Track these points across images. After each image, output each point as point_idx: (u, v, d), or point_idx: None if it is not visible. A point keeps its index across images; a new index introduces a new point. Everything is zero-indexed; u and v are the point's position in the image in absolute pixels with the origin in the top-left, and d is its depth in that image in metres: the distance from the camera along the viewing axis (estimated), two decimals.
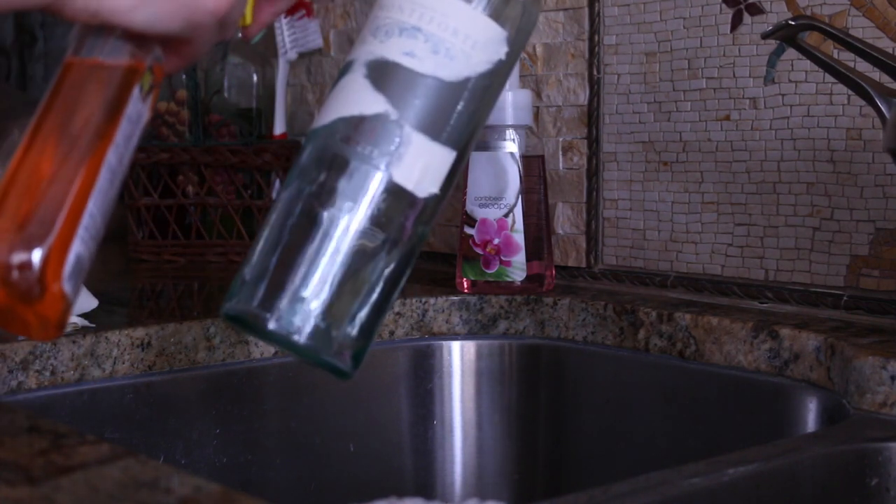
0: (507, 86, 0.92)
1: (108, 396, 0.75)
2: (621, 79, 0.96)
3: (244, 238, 1.18)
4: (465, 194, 0.93)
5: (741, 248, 0.89)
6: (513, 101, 0.92)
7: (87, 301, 0.79)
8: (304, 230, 0.53)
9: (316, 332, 0.52)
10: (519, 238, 0.91)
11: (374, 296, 0.54)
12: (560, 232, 1.00)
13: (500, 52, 0.55)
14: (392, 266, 0.54)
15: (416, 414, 0.91)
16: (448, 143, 0.54)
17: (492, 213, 0.92)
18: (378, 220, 0.53)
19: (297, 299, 0.53)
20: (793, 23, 0.71)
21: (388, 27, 0.55)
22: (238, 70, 1.21)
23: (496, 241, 0.92)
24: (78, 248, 0.48)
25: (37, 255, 0.46)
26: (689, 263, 0.92)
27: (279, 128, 1.23)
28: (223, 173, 1.19)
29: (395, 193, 0.54)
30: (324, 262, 0.53)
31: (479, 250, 0.92)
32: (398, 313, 0.90)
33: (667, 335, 0.83)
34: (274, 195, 1.18)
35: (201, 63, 1.23)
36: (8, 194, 0.47)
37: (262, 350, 0.83)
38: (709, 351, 0.80)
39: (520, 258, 0.91)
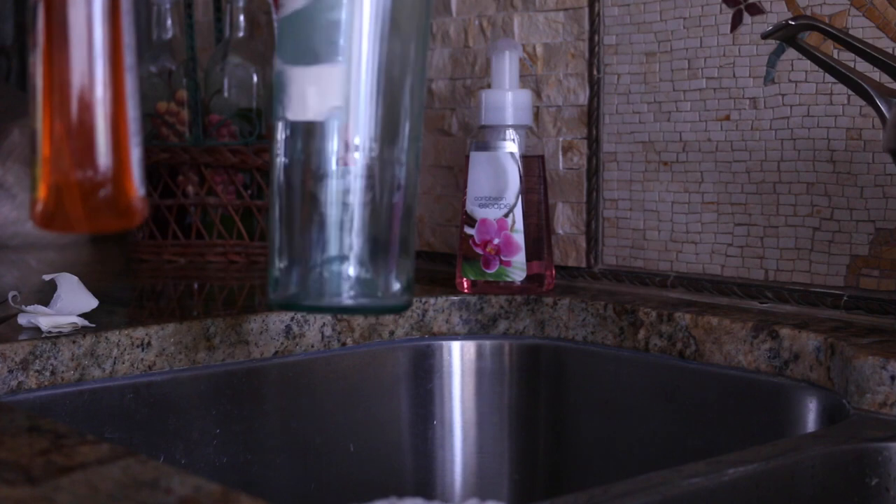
0: (507, 85, 0.93)
1: (108, 396, 0.75)
2: (621, 79, 0.96)
3: (244, 238, 1.18)
4: (465, 194, 0.93)
5: (741, 248, 0.89)
6: (513, 101, 0.92)
7: (87, 301, 0.79)
8: (289, 203, 0.56)
9: (357, 288, 0.55)
10: (519, 238, 0.91)
11: (388, 226, 0.56)
12: (560, 232, 1.00)
13: None
14: (376, 190, 0.56)
15: (416, 414, 0.91)
16: (325, 58, 0.55)
17: (492, 213, 0.92)
18: (320, 160, 0.55)
19: (323, 269, 0.55)
20: (793, 23, 0.71)
21: None
22: (238, 70, 1.21)
23: (496, 241, 0.92)
24: (136, 153, 0.49)
25: (108, 169, 0.48)
26: (689, 263, 0.92)
27: None
28: (223, 173, 1.19)
29: (303, 130, 0.55)
30: (324, 223, 0.55)
31: (479, 250, 0.92)
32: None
33: (667, 335, 0.83)
34: None
35: (201, 63, 1.23)
36: (53, 124, 0.48)
37: (262, 350, 0.83)
38: (709, 351, 0.80)
39: (520, 258, 0.91)
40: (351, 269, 0.55)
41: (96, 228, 0.49)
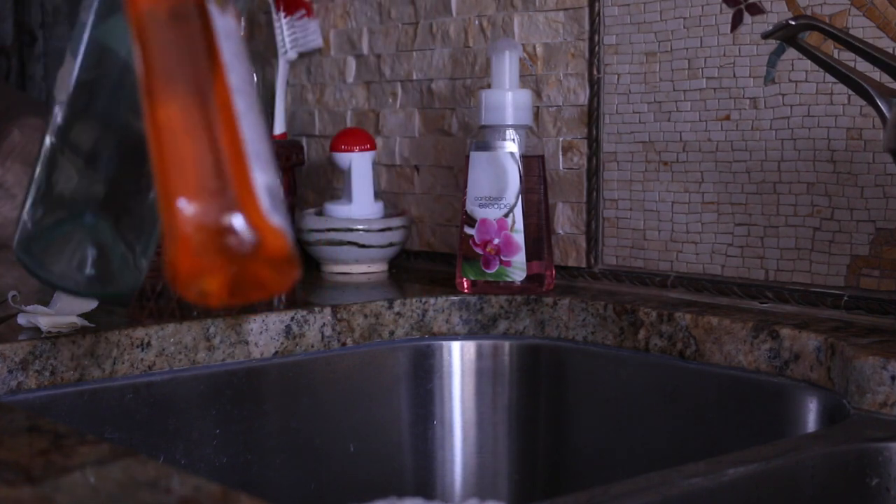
0: (507, 85, 0.92)
1: (108, 396, 0.75)
2: (621, 79, 0.96)
3: None
4: (465, 194, 0.93)
5: (741, 248, 0.89)
6: (513, 101, 0.92)
7: (86, 301, 0.79)
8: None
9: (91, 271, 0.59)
10: (519, 238, 0.91)
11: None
12: (560, 232, 1.00)
13: None
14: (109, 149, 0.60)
15: (416, 414, 0.91)
16: (71, 52, 0.59)
17: (492, 213, 0.92)
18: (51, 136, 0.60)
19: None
20: (793, 23, 0.71)
21: None
22: None
23: (496, 241, 0.92)
24: (260, 179, 0.45)
25: (231, 210, 0.44)
26: (689, 263, 0.92)
27: (279, 128, 1.23)
28: None
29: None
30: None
31: (479, 250, 0.92)
32: (398, 313, 0.90)
33: (667, 335, 0.83)
34: None
35: None
36: (168, 172, 0.45)
37: (261, 350, 0.83)
38: (709, 351, 0.80)
39: (520, 258, 0.91)
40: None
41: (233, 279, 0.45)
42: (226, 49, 0.48)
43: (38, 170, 0.59)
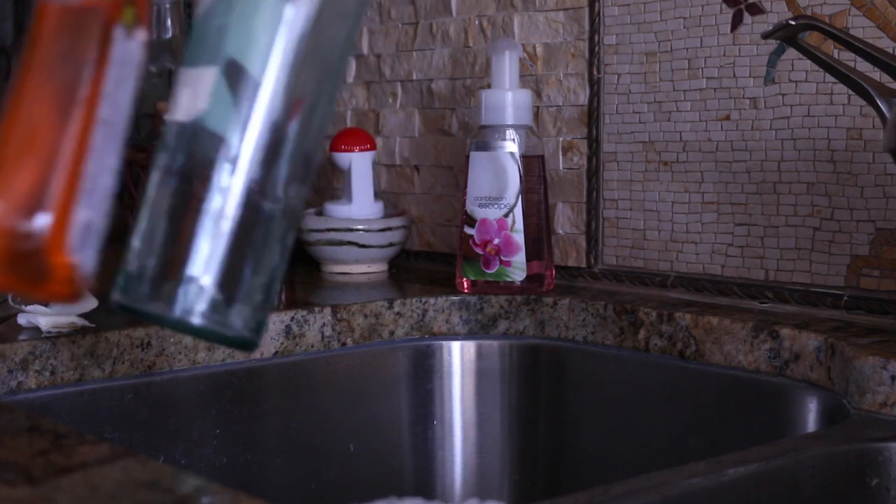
0: (507, 85, 0.92)
1: (108, 396, 0.75)
2: (621, 79, 0.96)
3: None
4: (465, 194, 0.93)
5: (741, 248, 0.89)
6: (513, 101, 0.92)
7: (86, 301, 0.79)
8: (155, 202, 0.53)
9: (207, 310, 0.51)
10: (519, 238, 0.91)
11: (242, 255, 0.52)
12: (560, 232, 1.00)
13: None
14: (238, 207, 0.52)
15: (416, 414, 0.91)
16: (206, 60, 0.52)
17: (492, 213, 0.92)
18: (185, 166, 0.52)
19: (179, 279, 0.51)
20: (793, 23, 0.71)
21: None
22: None
23: (496, 241, 0.92)
24: (82, 214, 0.45)
25: (37, 230, 0.44)
26: (689, 263, 0.92)
27: None
28: None
29: (171, 129, 0.53)
30: (175, 232, 0.52)
31: (479, 250, 0.92)
32: (398, 313, 0.90)
33: (667, 335, 0.83)
34: None
35: None
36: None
37: (261, 350, 0.83)
38: (709, 351, 0.80)
39: (520, 258, 0.91)
40: (205, 290, 0.51)
41: (7, 285, 0.44)
42: (111, 76, 0.47)
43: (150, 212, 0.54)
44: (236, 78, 0.52)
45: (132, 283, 0.53)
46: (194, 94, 0.52)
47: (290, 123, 0.53)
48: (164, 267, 0.52)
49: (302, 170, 0.54)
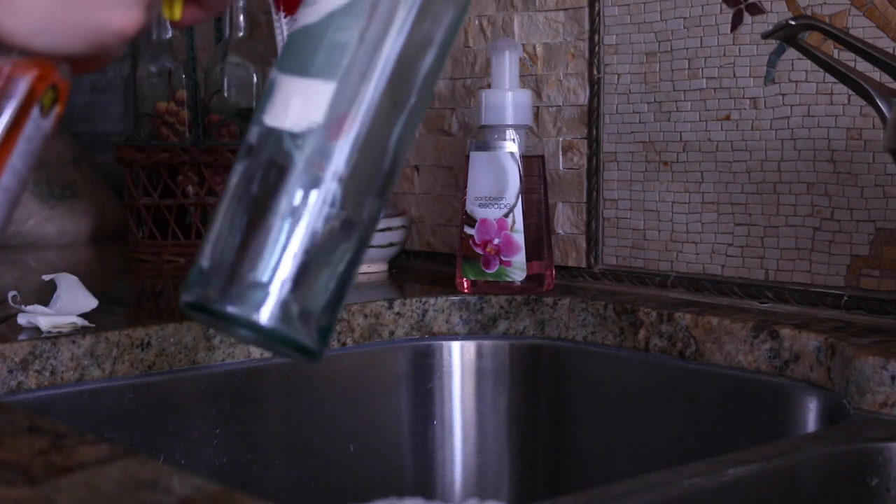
0: (507, 85, 0.92)
1: (108, 396, 0.75)
2: (621, 79, 0.96)
3: None
4: (465, 194, 0.93)
5: (741, 248, 0.89)
6: (513, 101, 0.92)
7: (87, 301, 0.79)
8: (237, 204, 0.53)
9: (279, 312, 0.51)
10: (519, 238, 0.91)
11: (327, 264, 0.53)
12: (560, 232, 1.00)
13: None
14: (327, 223, 0.52)
15: (416, 414, 0.91)
16: (319, 73, 0.53)
17: (492, 213, 0.92)
18: (275, 171, 0.52)
19: (255, 280, 0.51)
20: (793, 23, 0.71)
21: None
22: (238, 70, 1.21)
23: (496, 241, 0.92)
24: None
25: None
26: (689, 263, 0.92)
27: None
28: (223, 173, 1.19)
29: (273, 136, 0.53)
30: (265, 236, 0.52)
31: (479, 250, 0.92)
32: (398, 313, 0.90)
33: (667, 335, 0.83)
34: None
35: (201, 63, 1.23)
36: None
37: (262, 350, 0.83)
38: (709, 351, 0.80)
39: (520, 258, 0.91)
40: (276, 293, 0.51)
41: None
42: (19, 150, 0.49)
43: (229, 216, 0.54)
44: (350, 95, 0.53)
45: (204, 283, 0.52)
46: (308, 106, 0.53)
47: (378, 141, 0.54)
48: (237, 269, 0.52)
49: (381, 186, 0.54)
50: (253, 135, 0.54)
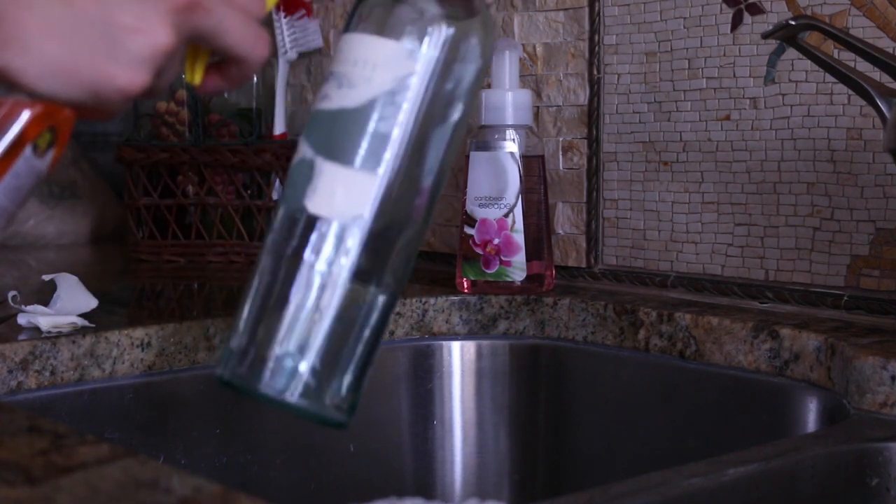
0: (507, 85, 0.92)
1: (108, 396, 0.75)
2: (621, 79, 0.96)
3: (244, 238, 1.18)
4: (465, 194, 0.93)
5: (741, 248, 0.89)
6: (513, 101, 0.92)
7: (87, 301, 0.79)
8: (269, 285, 0.55)
9: (307, 389, 0.54)
10: (519, 238, 0.91)
11: (353, 345, 0.55)
12: (560, 232, 1.00)
13: (407, 66, 0.55)
14: (356, 298, 0.55)
15: (416, 414, 0.91)
16: (364, 165, 0.54)
17: (492, 213, 0.92)
18: (308, 253, 0.54)
19: (279, 361, 0.54)
20: (793, 23, 0.71)
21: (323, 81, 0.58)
22: None
23: (496, 241, 0.92)
24: None
25: None
26: (689, 263, 0.92)
27: (279, 128, 1.23)
28: (223, 173, 1.19)
29: (316, 224, 0.55)
30: (296, 317, 0.54)
31: (479, 250, 0.92)
32: (398, 313, 0.90)
33: (667, 335, 0.83)
34: (274, 195, 1.18)
35: None
36: None
37: None
38: (709, 351, 0.80)
39: (520, 258, 0.91)
40: (304, 371, 0.54)
41: None
42: (5, 184, 0.50)
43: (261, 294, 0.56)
44: (391, 185, 0.55)
45: (233, 361, 0.55)
46: (353, 197, 0.54)
47: (406, 224, 0.56)
48: (263, 347, 0.54)
49: (404, 262, 0.57)
50: (284, 215, 0.55)
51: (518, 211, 0.91)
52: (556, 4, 1.00)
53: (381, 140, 0.55)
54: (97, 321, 0.77)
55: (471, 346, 0.92)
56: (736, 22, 0.88)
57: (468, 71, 0.57)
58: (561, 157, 1.00)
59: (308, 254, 0.54)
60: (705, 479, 0.54)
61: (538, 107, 1.01)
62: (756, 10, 0.87)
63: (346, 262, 0.54)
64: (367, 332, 0.56)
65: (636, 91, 0.95)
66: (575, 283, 0.99)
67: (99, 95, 0.49)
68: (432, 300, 0.91)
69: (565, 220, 1.00)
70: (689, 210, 0.92)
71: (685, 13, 0.91)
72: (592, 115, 0.98)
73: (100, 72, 0.48)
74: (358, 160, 0.54)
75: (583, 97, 0.98)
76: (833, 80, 0.78)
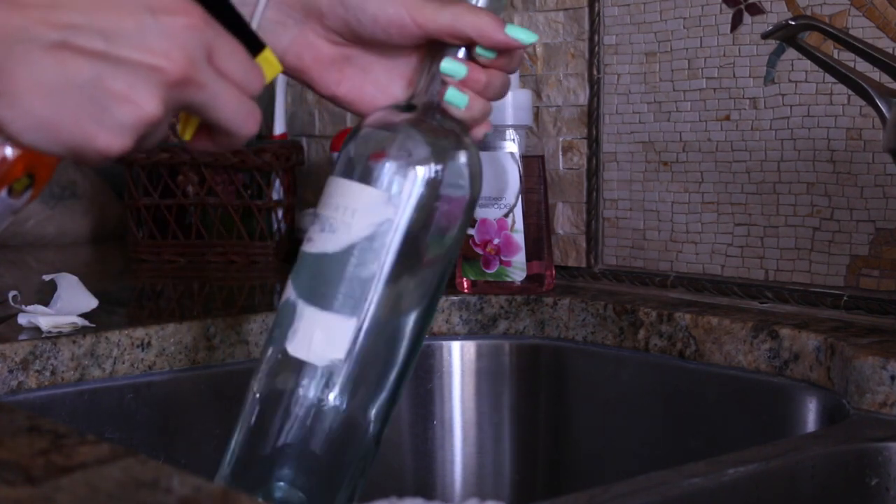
0: None
1: (108, 396, 0.75)
2: (621, 79, 0.96)
3: (244, 238, 1.18)
4: None
5: (741, 248, 0.89)
6: (513, 101, 0.92)
7: (87, 301, 0.79)
8: (257, 420, 0.58)
9: None
10: (519, 238, 0.91)
11: (339, 482, 0.57)
12: (560, 232, 1.00)
13: (384, 212, 0.56)
14: (343, 436, 0.57)
15: (416, 414, 0.91)
16: (342, 309, 0.56)
17: (492, 213, 0.92)
18: (297, 399, 0.56)
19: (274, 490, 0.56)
20: (793, 23, 0.71)
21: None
22: None
23: (496, 241, 0.92)
24: None
25: None
26: (689, 263, 0.92)
27: (279, 128, 1.23)
28: (223, 173, 1.19)
29: (293, 366, 0.56)
30: (280, 454, 0.57)
31: (479, 250, 0.92)
32: None
33: (667, 335, 0.83)
34: (274, 195, 1.18)
35: None
36: None
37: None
38: (709, 351, 0.80)
39: (520, 258, 0.91)
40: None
41: None
42: None
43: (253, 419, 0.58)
44: (368, 328, 0.56)
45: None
46: (330, 342, 0.56)
47: (389, 364, 0.58)
48: (254, 480, 0.56)
49: (392, 397, 0.58)
50: (272, 355, 0.57)
51: (518, 211, 0.91)
52: (556, 4, 1.00)
53: (359, 285, 0.56)
54: (97, 321, 0.77)
55: (471, 346, 0.92)
56: (736, 22, 0.88)
57: (455, 206, 0.58)
58: (561, 157, 1.00)
59: (292, 393, 0.56)
60: (705, 479, 0.54)
61: (538, 107, 1.01)
62: (756, 10, 0.87)
63: (329, 404, 0.56)
64: (355, 463, 0.58)
65: (636, 91, 0.95)
66: (575, 283, 0.99)
67: (79, 154, 0.50)
68: None
69: (565, 220, 1.00)
70: (688, 210, 0.92)
71: (685, 13, 0.91)
72: (592, 116, 0.98)
73: (82, 133, 0.49)
74: (336, 304, 0.56)
75: (583, 97, 0.98)
76: (833, 80, 0.78)
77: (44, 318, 0.75)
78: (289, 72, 0.64)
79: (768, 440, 0.63)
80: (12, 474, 0.44)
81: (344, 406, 0.56)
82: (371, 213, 0.56)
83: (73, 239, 1.45)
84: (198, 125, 0.55)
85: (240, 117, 0.53)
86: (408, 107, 0.59)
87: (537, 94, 1.01)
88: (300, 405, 0.56)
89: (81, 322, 0.76)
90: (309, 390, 0.56)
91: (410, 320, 0.58)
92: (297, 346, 0.56)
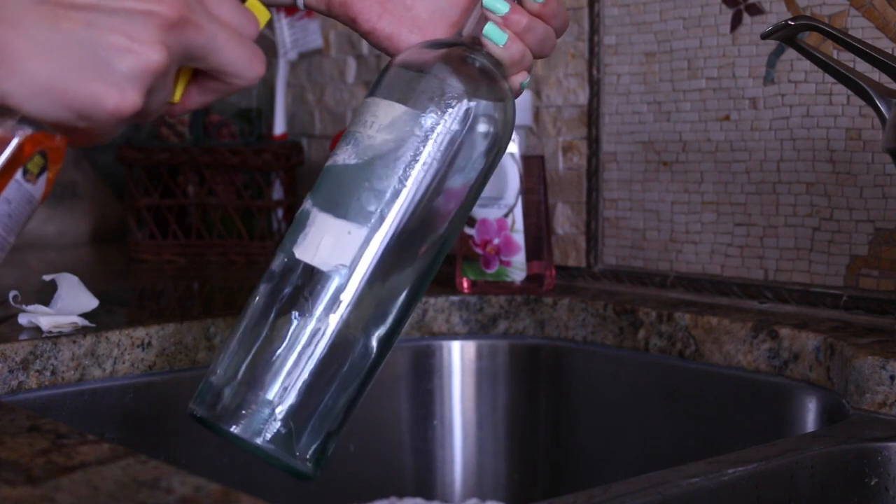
0: None
1: (109, 396, 0.76)
2: (621, 79, 0.96)
3: (244, 238, 1.18)
4: None
5: (741, 248, 0.89)
6: None
7: (87, 301, 0.79)
8: (254, 329, 0.56)
9: (275, 437, 0.54)
10: (519, 238, 0.91)
11: (331, 398, 0.56)
12: (560, 232, 1.00)
13: (411, 129, 0.56)
14: (336, 360, 0.56)
15: (416, 414, 0.91)
16: (356, 217, 0.56)
17: (492, 213, 0.92)
18: (296, 301, 0.55)
19: (255, 405, 0.54)
20: (792, 23, 0.72)
21: None
22: None
23: (496, 241, 0.92)
24: None
25: None
26: (689, 263, 0.92)
27: (279, 128, 1.23)
28: (223, 173, 1.19)
29: (300, 270, 0.56)
30: (276, 364, 0.55)
31: (479, 250, 0.92)
32: None
33: (667, 335, 0.83)
34: (274, 195, 1.18)
35: None
36: None
37: None
38: (708, 351, 0.80)
39: (520, 258, 0.91)
40: (279, 417, 0.54)
41: None
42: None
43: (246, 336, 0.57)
44: (378, 240, 0.56)
45: (212, 400, 0.56)
46: (338, 247, 0.55)
47: (394, 278, 0.57)
48: (246, 390, 0.55)
49: (396, 322, 0.57)
50: (280, 262, 0.57)
51: (518, 211, 0.91)
52: None
53: (375, 196, 0.56)
54: (98, 321, 0.77)
55: (471, 345, 0.92)
56: (735, 22, 0.88)
57: (481, 149, 0.58)
58: (561, 157, 1.00)
59: (295, 301, 0.55)
60: (705, 479, 0.54)
61: (538, 107, 1.01)
62: (755, 10, 0.87)
63: (332, 313, 0.55)
64: (348, 388, 0.57)
65: (636, 91, 0.95)
66: (575, 283, 0.99)
67: (88, 117, 0.48)
68: (432, 300, 0.91)
69: (565, 220, 1.00)
70: (688, 210, 0.92)
71: (685, 13, 0.91)
72: (592, 116, 0.98)
73: (89, 92, 0.47)
74: (350, 213, 0.56)
75: (582, 97, 0.98)
76: (832, 80, 0.78)
77: (44, 318, 0.75)
78: (332, 8, 0.63)
79: (768, 440, 0.63)
80: (13, 474, 0.44)
81: (343, 319, 0.55)
82: (397, 128, 0.56)
83: (74, 239, 1.45)
84: (187, 81, 0.54)
85: (244, 58, 0.52)
86: (451, 43, 0.60)
87: (537, 94, 1.01)
88: (302, 313, 0.55)
89: (82, 322, 0.76)
90: (314, 297, 0.55)
91: (423, 247, 0.57)
92: (304, 250, 0.56)
